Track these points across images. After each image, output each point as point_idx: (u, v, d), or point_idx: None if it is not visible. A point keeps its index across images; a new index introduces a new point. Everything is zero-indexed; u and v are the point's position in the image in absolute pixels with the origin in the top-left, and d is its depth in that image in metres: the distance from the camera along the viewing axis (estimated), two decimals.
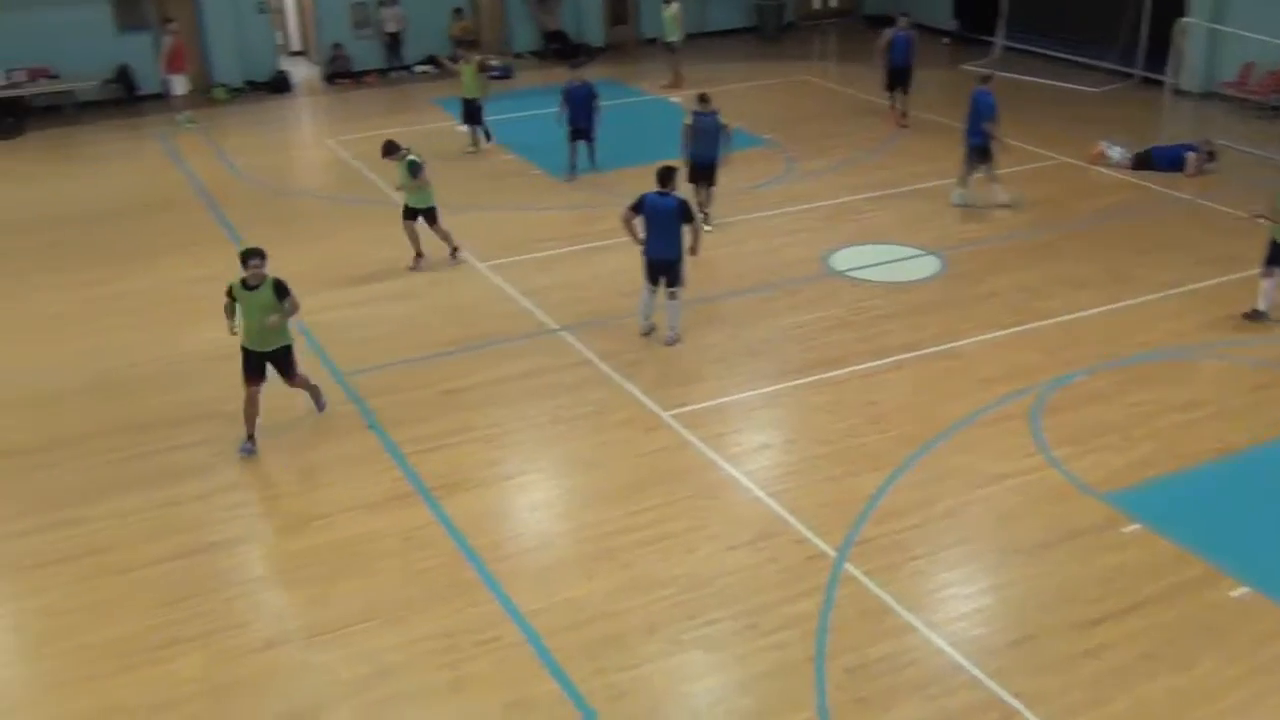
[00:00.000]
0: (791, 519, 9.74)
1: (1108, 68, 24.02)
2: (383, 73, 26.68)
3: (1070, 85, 23.56)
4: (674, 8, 24.32)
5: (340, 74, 26.32)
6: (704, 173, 15.88)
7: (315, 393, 11.60)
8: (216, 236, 16.70)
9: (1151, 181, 17.89)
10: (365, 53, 26.65)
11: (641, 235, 12.76)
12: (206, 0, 25.11)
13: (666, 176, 12.66)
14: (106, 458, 11.01)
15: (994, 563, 9.27)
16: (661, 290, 12.91)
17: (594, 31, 28.44)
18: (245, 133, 22.62)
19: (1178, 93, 22.61)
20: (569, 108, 18.25)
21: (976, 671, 8.03)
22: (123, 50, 24.53)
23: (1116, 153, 18.59)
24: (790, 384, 12.07)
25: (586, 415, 11.53)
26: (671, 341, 12.88)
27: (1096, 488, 10.10)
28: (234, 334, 11.00)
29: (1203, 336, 12.85)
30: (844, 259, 15.14)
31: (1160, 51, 22.80)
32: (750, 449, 10.91)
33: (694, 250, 12.78)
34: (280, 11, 28.56)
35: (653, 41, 28.05)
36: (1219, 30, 22.23)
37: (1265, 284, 12.95)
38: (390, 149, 15.08)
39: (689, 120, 15.81)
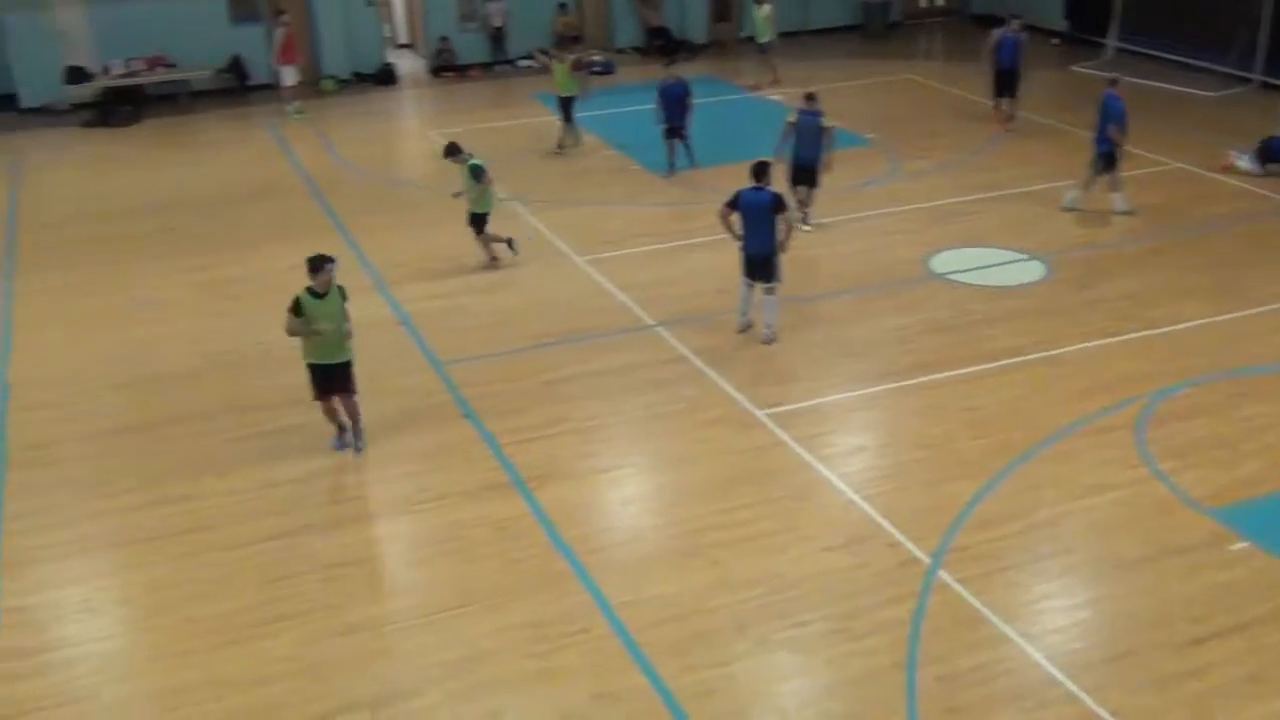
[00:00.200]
0: (885, 523, 9.64)
1: (1226, 71, 23.33)
2: (486, 66, 26.95)
3: (1186, 89, 22.91)
4: (766, 8, 24.15)
5: (445, 67, 26.65)
6: (804, 174, 15.75)
7: (359, 425, 11.00)
8: (321, 225, 17.03)
9: (1271, 190, 17.34)
10: (470, 46, 26.95)
11: (739, 231, 12.73)
12: None
13: (761, 171, 12.64)
14: (212, 438, 11.30)
15: (1093, 575, 9.08)
16: (759, 287, 12.86)
17: (696, 28, 28.41)
18: (351, 123, 23.02)
19: None
20: (663, 106, 18.24)
21: (1072, 686, 7.87)
22: (236, 41, 25.13)
23: (1245, 161, 18.03)
24: (888, 386, 11.94)
25: (681, 411, 11.54)
26: (768, 340, 12.83)
27: (1202, 503, 9.83)
28: (318, 333, 10.47)
29: None
30: (946, 261, 14.93)
31: None
32: (845, 451, 10.83)
33: (783, 246, 12.71)
34: (388, 5, 28.99)
35: (754, 39, 27.94)
36: None
37: None
38: (452, 150, 15.00)
39: (792, 118, 15.69)
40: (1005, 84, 20.40)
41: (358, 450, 10.96)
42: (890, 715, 7.69)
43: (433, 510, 10.08)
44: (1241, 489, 10.04)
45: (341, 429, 11.04)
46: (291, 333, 10.54)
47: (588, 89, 20.45)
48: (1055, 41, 27.20)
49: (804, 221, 15.78)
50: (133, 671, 8.40)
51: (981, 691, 7.85)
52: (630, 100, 22.59)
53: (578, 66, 20.12)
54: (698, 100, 18.84)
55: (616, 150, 20.14)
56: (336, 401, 10.86)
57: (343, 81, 25.78)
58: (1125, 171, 16.47)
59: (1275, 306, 13.45)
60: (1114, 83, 16.33)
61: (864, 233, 16.08)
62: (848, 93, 23.33)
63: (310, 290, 10.44)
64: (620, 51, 27.79)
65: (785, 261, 12.89)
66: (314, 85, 25.21)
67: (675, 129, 18.37)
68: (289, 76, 23.39)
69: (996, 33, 20.62)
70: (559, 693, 7.98)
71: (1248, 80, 23.05)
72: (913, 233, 16.00)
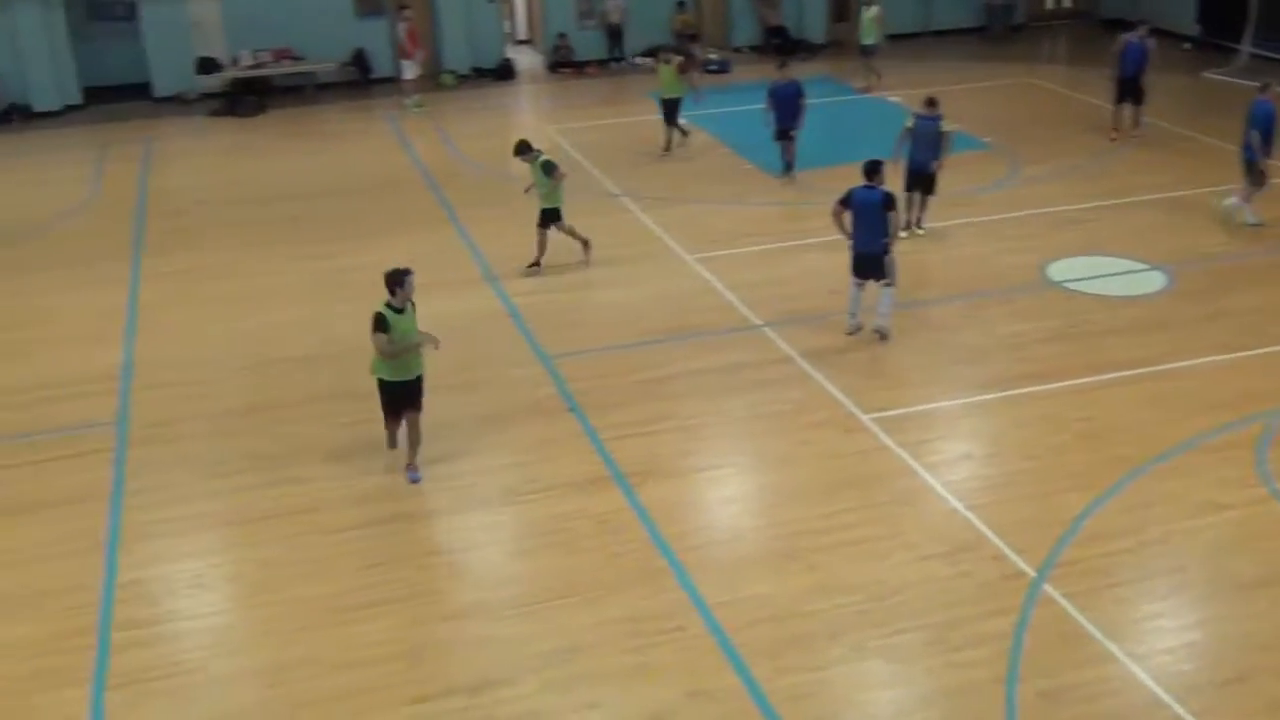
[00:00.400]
0: (990, 534, 9.46)
1: None
2: (603, 63, 27.10)
3: None
4: (875, 10, 23.80)
5: (563, 63, 26.87)
6: (920, 180, 15.47)
7: (418, 448, 10.57)
8: (436, 217, 17.32)
9: None
10: (588, 43, 27.13)
11: (849, 229, 12.62)
12: None
13: (873, 170, 12.54)
14: (325, 423, 11.55)
15: (1206, 596, 8.79)
16: (869, 288, 12.74)
17: (815, 28, 28.20)
18: (469, 118, 23.36)
19: None
20: (774, 107, 18.05)
21: (1180, 709, 7.64)
22: (360, 34, 25.68)
23: None
24: (999, 394, 11.72)
25: (785, 413, 11.47)
26: (882, 333, 12.74)
27: None
28: (417, 346, 10.27)
29: None
30: (1064, 269, 14.58)
31: None
32: (951, 458, 10.65)
33: (888, 248, 12.59)
34: (509, 1, 29.34)
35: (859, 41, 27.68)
36: None
37: None
38: (523, 149, 14.95)
39: (909, 124, 15.44)
40: (1128, 91, 19.71)
41: (414, 479, 10.45)
42: None
43: (536, 502, 10.17)
44: None
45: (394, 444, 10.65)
46: (388, 354, 10.03)
47: (695, 91, 20.21)
48: (1186, 46, 26.36)
49: (917, 225, 15.55)
50: (239, 647, 8.64)
51: (1084, 710, 7.66)
52: (745, 99, 22.45)
53: (683, 69, 19.95)
54: (813, 100, 18.67)
55: (729, 149, 20.09)
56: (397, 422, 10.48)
57: (462, 76, 26.16)
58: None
59: None
60: (1264, 88, 15.62)
61: (979, 237, 15.79)
62: (967, 95, 22.93)
63: (390, 305, 10.07)
64: (737, 50, 27.71)
65: (895, 264, 12.72)
66: (434, 79, 25.62)
67: (785, 131, 18.15)
68: (410, 70, 23.82)
69: (1122, 38, 20.02)
70: (653, 689, 7.99)
71: None
72: (1029, 239, 15.66)
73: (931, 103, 15.38)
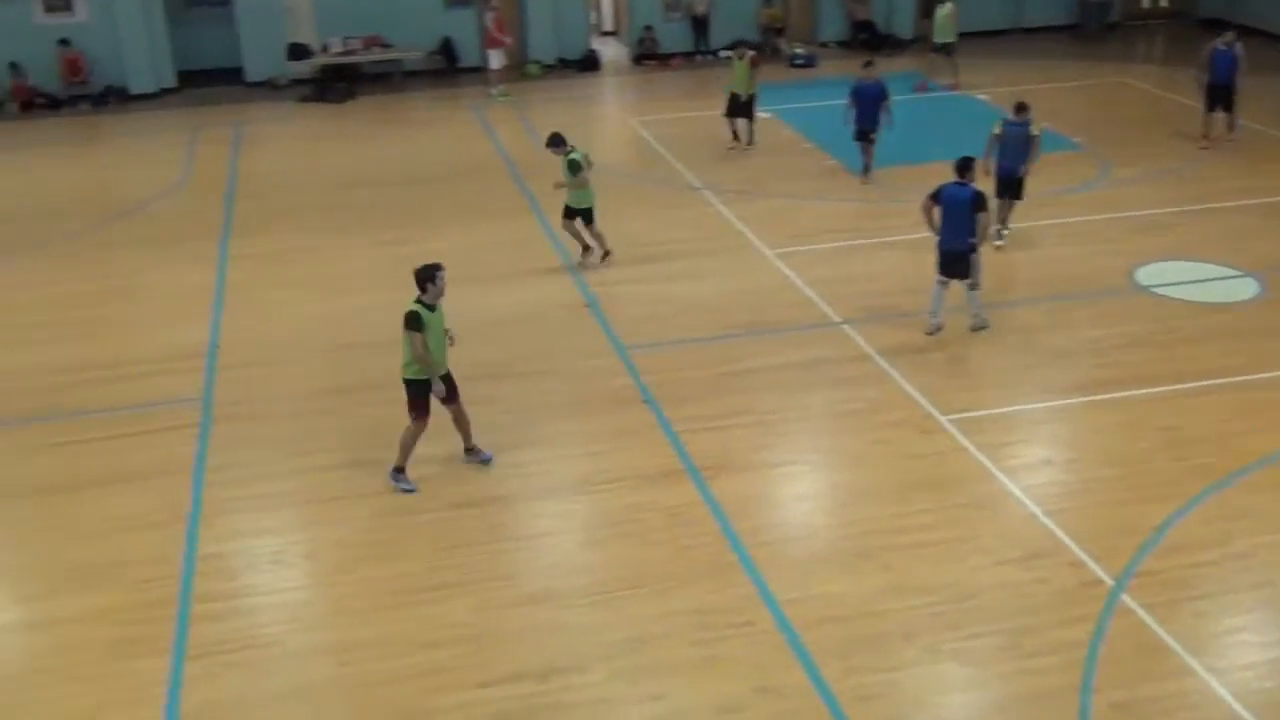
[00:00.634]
0: (1068, 541, 9.29)
1: None
2: (688, 56, 27.05)
3: None
4: (948, 7, 23.36)
5: (647, 55, 26.87)
6: (1009, 185, 15.05)
7: (469, 426, 10.57)
8: (518, 206, 17.42)
9: None
10: (673, 35, 27.10)
11: (938, 225, 12.50)
12: None
13: (965, 166, 12.41)
14: (401, 406, 11.55)
15: None
16: (953, 287, 12.60)
17: (904, 23, 27.88)
18: (553, 108, 23.43)
19: None
20: (855, 106, 17.76)
21: None
22: (448, 24, 25.91)
23: None
24: (1081, 399, 11.51)
25: (861, 411, 11.37)
26: (977, 327, 12.66)
27: None
28: (453, 341, 10.29)
29: None
30: (1152, 274, 14.27)
31: None
32: (1031, 463, 10.48)
33: (975, 245, 12.45)
34: None
35: (967, 36, 27.28)
36: None
37: None
38: (556, 141, 14.80)
39: (997, 129, 15.02)
40: (1219, 98, 19.12)
41: (486, 459, 10.56)
42: None
43: (609, 491, 10.20)
44: None
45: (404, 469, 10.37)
46: (419, 357, 9.92)
47: (754, 88, 19.62)
48: None
49: (998, 233, 15.22)
50: (312, 624, 8.78)
51: None
52: (830, 95, 22.24)
53: (755, 64, 19.66)
54: (898, 98, 18.46)
55: (813, 145, 19.95)
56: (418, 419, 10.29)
57: (547, 67, 26.28)
58: None
59: None
60: None
61: (1066, 239, 15.50)
62: (1058, 94, 22.53)
63: (421, 302, 9.96)
64: (823, 45, 27.49)
65: (980, 265, 12.57)
66: (519, 69, 25.77)
67: (864, 132, 17.82)
68: (496, 60, 23.99)
69: (1210, 46, 19.43)
70: (720, 683, 7.97)
71: None
72: (1118, 241, 15.35)
73: (1021, 107, 14.94)
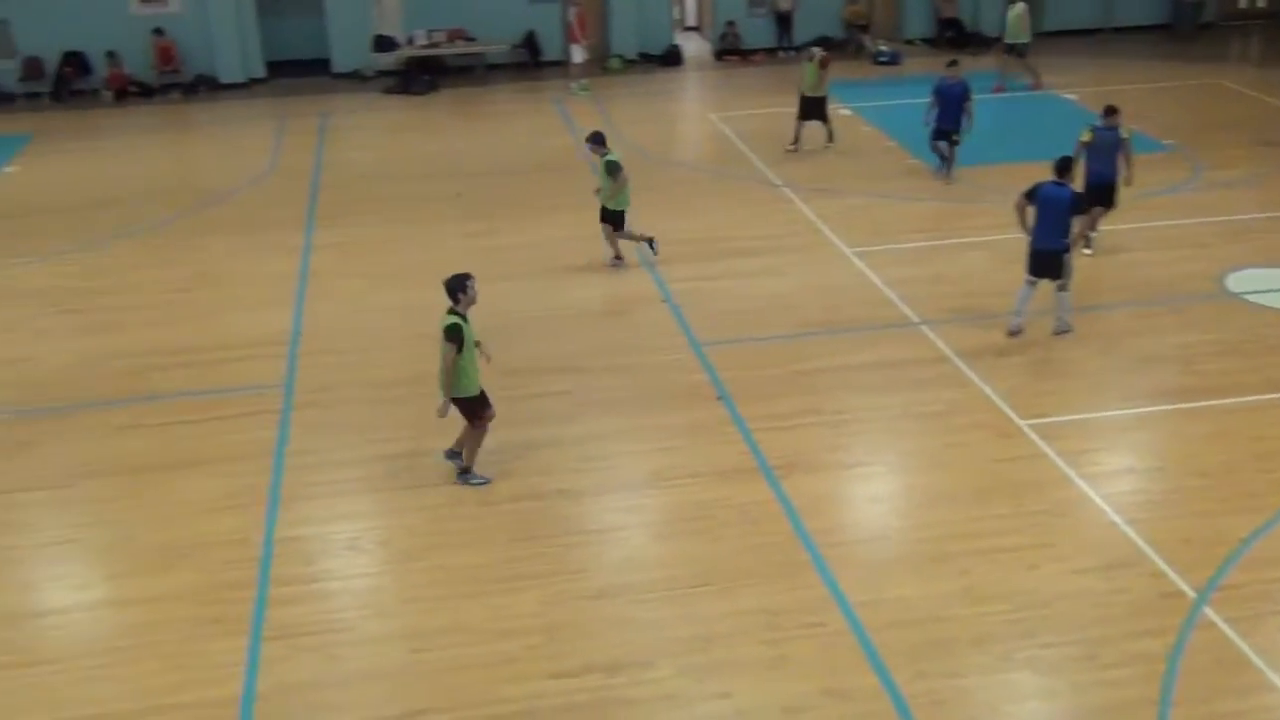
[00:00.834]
0: (1149, 551, 9.11)
1: None
2: (770, 52, 26.91)
3: None
4: (1019, 7, 22.91)
5: (730, 51, 26.78)
6: (1100, 192, 14.43)
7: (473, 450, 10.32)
8: (596, 201, 17.42)
9: None
10: (756, 31, 26.98)
11: (1030, 225, 12.32)
12: None
13: (1065, 166, 12.28)
14: None
15: None
16: (1041, 287, 12.42)
17: (991, 21, 27.43)
18: (633, 102, 23.49)
19: None
20: (938, 105, 17.48)
21: None
22: (532, 18, 26.04)
23: None
24: (1166, 407, 11.27)
25: (938, 413, 11.24)
26: (1060, 331, 12.49)
27: None
28: (485, 356, 10.25)
29: None
30: (1244, 280, 13.91)
31: None
32: (1112, 471, 10.29)
33: (1069, 247, 12.28)
34: None
35: (1055, 34, 26.86)
36: None
37: None
38: (596, 140, 14.69)
39: (1086, 137, 14.37)
40: None
41: (467, 479, 10.28)
42: None
43: (681, 487, 10.19)
44: None
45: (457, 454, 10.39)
46: (447, 369, 9.82)
47: (824, 87, 19.28)
48: None
49: (1086, 245, 14.83)
50: (386, 610, 8.89)
51: None
52: (914, 93, 21.99)
53: (825, 64, 19.40)
54: (982, 96, 18.19)
55: (895, 143, 19.75)
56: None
57: (629, 61, 26.31)
58: None
59: None
60: None
61: (1154, 242, 15.18)
62: (1148, 95, 22.06)
63: (455, 313, 9.93)
64: (908, 42, 27.19)
65: (1072, 265, 12.40)
66: (601, 64, 25.84)
67: (945, 132, 17.52)
68: (577, 55, 24.08)
69: None
70: (788, 683, 7.94)
71: None
72: (1208, 246, 14.99)
73: (1110, 111, 14.41)
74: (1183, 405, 11.27)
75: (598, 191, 14.79)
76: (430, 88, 24.51)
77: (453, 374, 9.87)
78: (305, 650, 8.38)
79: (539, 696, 7.89)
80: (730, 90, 24.53)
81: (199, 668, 8.25)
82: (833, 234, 15.67)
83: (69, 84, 24.47)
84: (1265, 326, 12.76)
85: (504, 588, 8.97)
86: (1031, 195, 12.25)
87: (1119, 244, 15.05)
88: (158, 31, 24.53)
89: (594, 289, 14.33)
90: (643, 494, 10.23)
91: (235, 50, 24.95)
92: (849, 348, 12.57)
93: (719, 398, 11.61)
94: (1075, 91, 22.26)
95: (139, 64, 24.62)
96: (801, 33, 26.73)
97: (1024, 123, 21.12)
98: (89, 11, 24.34)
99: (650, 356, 12.53)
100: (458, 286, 9.95)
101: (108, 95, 24.36)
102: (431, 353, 12.67)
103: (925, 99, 17.82)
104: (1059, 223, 12.11)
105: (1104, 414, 11.22)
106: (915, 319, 13.16)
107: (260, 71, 25.41)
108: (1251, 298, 13.46)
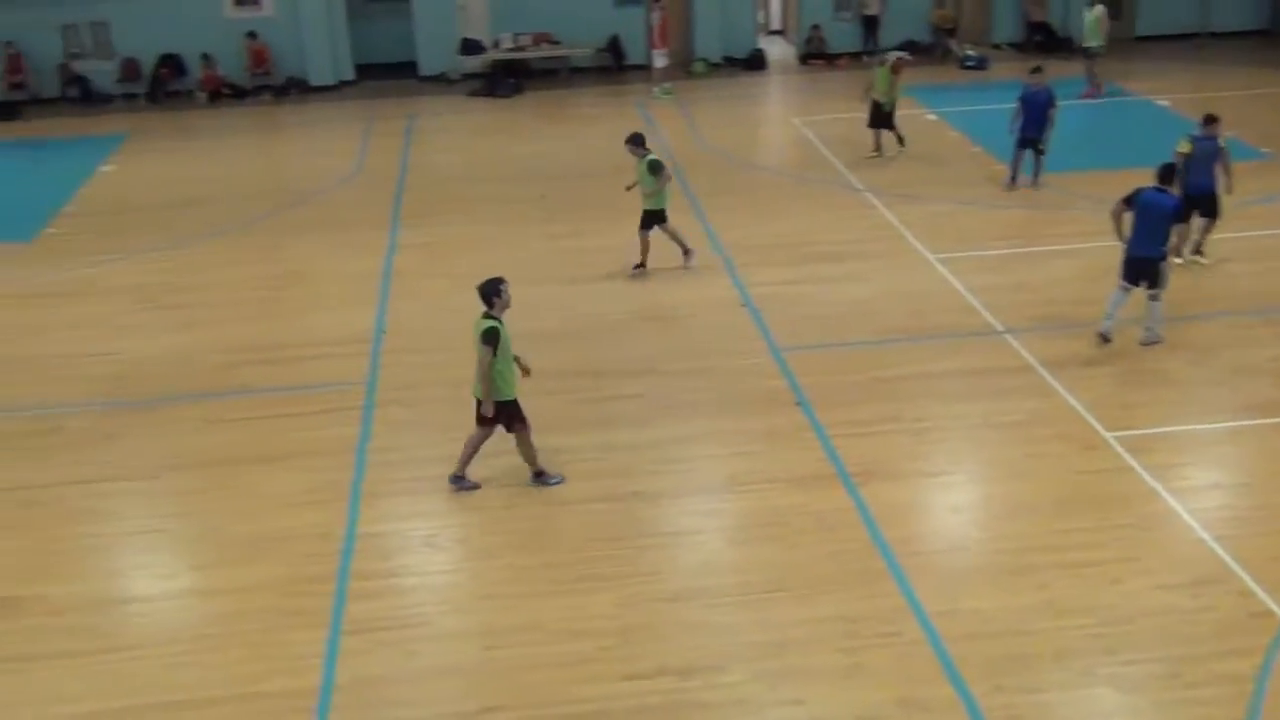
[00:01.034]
0: (1237, 568, 8.87)
1: None
2: (855, 56, 26.71)
3: None
4: (1097, 10, 22.37)
5: (814, 55, 26.64)
6: (1201, 203, 14.03)
7: (470, 456, 10.28)
8: (679, 204, 17.38)
9: None
10: (842, 35, 26.81)
11: (1127, 232, 12.11)
12: None
13: (1167, 173, 12.05)
14: (561, 397, 11.84)
15: None
16: (1136, 293, 12.20)
17: (1081, 25, 26.94)
18: (716, 106, 23.46)
19: None
20: (1023, 113, 17.08)
21: None
22: (616, 22, 26.15)
23: None
24: (1259, 421, 10.97)
25: (1021, 423, 11.06)
26: (1149, 341, 12.25)
27: None
28: (527, 373, 10.22)
29: None
30: None
31: None
32: (1200, 485, 10.04)
33: (1169, 254, 12.09)
34: None
35: (1148, 39, 26.35)
36: None
37: None
38: (636, 141, 14.58)
39: (1184, 148, 13.84)
40: None
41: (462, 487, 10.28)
42: None
43: (758, 492, 10.16)
44: None
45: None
46: (485, 372, 9.75)
47: (895, 96, 19.02)
48: None
49: (1195, 251, 14.47)
50: (462, 607, 8.99)
51: None
52: (1001, 98, 21.69)
53: (897, 69, 19.15)
54: (1072, 103, 17.86)
55: (980, 149, 19.49)
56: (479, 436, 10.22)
57: (713, 65, 26.28)
58: None
59: None
60: None
61: (1250, 253, 14.78)
62: (1245, 102, 21.47)
63: (490, 317, 9.88)
64: (996, 47, 26.82)
65: (1168, 273, 12.23)
66: (685, 67, 25.85)
67: (1030, 140, 17.16)
68: (660, 59, 24.12)
69: None
70: (863, 692, 7.87)
71: None
72: None
73: (1210, 120, 13.99)
74: (1274, 420, 10.96)
75: (630, 187, 14.78)
76: (515, 91, 24.72)
77: (490, 378, 9.81)
78: (382, 645, 8.48)
79: (611, 698, 7.91)
80: (814, 94, 24.40)
81: (281, 658, 8.40)
82: (916, 240, 15.51)
83: (164, 85, 25.11)
84: None
85: (579, 588, 9.01)
86: (1130, 201, 12.02)
87: (1216, 254, 14.65)
88: (251, 35, 25.05)
89: (674, 292, 14.33)
90: (719, 498, 10.20)
91: (325, 53, 25.39)
92: (931, 355, 12.43)
93: (798, 403, 11.55)
94: (1168, 98, 21.79)
95: (232, 66, 25.17)
96: (888, 36, 26.49)
97: (1113, 129, 20.72)
98: (185, 14, 24.95)
99: (729, 360, 12.50)
100: (492, 291, 9.92)
101: (201, 96, 24.93)
102: (528, 353, 12.80)
103: (1012, 104, 17.54)
104: (1158, 230, 11.88)
105: (1193, 427, 10.97)
106: (999, 327, 12.97)
107: (349, 74, 25.83)
108: None
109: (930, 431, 11.03)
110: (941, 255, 14.98)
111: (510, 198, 18.07)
